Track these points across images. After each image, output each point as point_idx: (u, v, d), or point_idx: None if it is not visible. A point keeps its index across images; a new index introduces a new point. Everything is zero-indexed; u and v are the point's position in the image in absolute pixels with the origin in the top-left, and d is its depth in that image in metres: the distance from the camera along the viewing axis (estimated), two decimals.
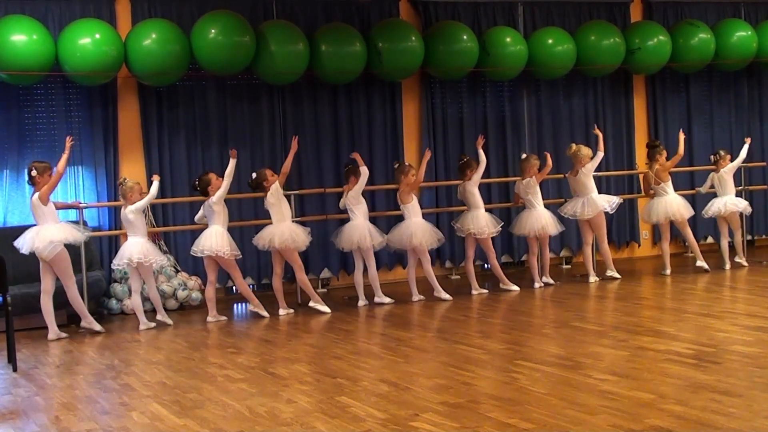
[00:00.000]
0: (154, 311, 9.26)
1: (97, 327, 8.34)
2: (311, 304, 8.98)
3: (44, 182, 8.04)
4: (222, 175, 8.69)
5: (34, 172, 8.03)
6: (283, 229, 8.82)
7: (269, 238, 8.83)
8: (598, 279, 10.03)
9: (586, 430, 4.73)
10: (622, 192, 11.17)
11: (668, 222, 10.29)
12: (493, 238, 9.78)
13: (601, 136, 10.09)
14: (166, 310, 9.33)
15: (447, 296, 9.31)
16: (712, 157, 10.69)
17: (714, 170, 10.59)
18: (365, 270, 9.29)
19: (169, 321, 8.63)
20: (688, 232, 10.39)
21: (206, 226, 8.79)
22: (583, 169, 9.85)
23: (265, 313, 8.82)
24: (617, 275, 10.06)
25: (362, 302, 9.20)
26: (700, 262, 10.33)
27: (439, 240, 9.46)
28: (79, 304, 8.31)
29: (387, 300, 9.22)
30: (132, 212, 8.41)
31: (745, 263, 10.62)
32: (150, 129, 9.79)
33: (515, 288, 9.62)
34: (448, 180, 10.80)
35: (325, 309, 8.91)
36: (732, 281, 9.87)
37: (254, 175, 8.96)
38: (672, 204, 10.19)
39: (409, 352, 7.02)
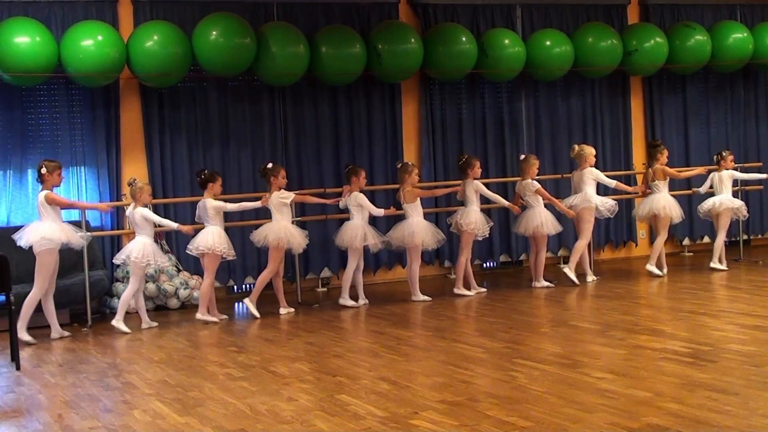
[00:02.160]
0: (156, 310, 9.34)
1: (27, 338, 7.92)
2: (246, 300, 8.88)
3: (52, 181, 8.11)
4: (223, 174, 8.75)
5: (43, 170, 8.06)
6: (279, 228, 8.81)
7: (264, 234, 8.83)
8: (596, 278, 10.06)
9: (583, 428, 4.77)
10: (619, 192, 11.20)
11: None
12: (491, 238, 9.78)
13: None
14: (167, 309, 9.42)
15: (425, 297, 9.27)
16: (715, 156, 10.70)
17: (716, 170, 10.62)
18: (364, 268, 9.37)
19: (126, 329, 8.31)
20: (663, 233, 10.18)
21: (203, 225, 8.78)
22: (588, 168, 9.83)
23: (216, 319, 8.71)
24: (576, 280, 9.74)
25: (362, 301, 9.24)
26: (650, 266, 10.13)
27: (440, 241, 9.45)
28: (28, 313, 7.99)
29: (351, 303, 9.15)
30: (140, 215, 8.45)
31: (722, 266, 10.45)
32: (152, 130, 9.83)
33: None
34: (446, 180, 10.84)
35: (256, 313, 8.78)
36: (728, 280, 9.90)
37: (270, 164, 8.95)
38: (661, 201, 10.14)
39: (408, 350, 7.07)
